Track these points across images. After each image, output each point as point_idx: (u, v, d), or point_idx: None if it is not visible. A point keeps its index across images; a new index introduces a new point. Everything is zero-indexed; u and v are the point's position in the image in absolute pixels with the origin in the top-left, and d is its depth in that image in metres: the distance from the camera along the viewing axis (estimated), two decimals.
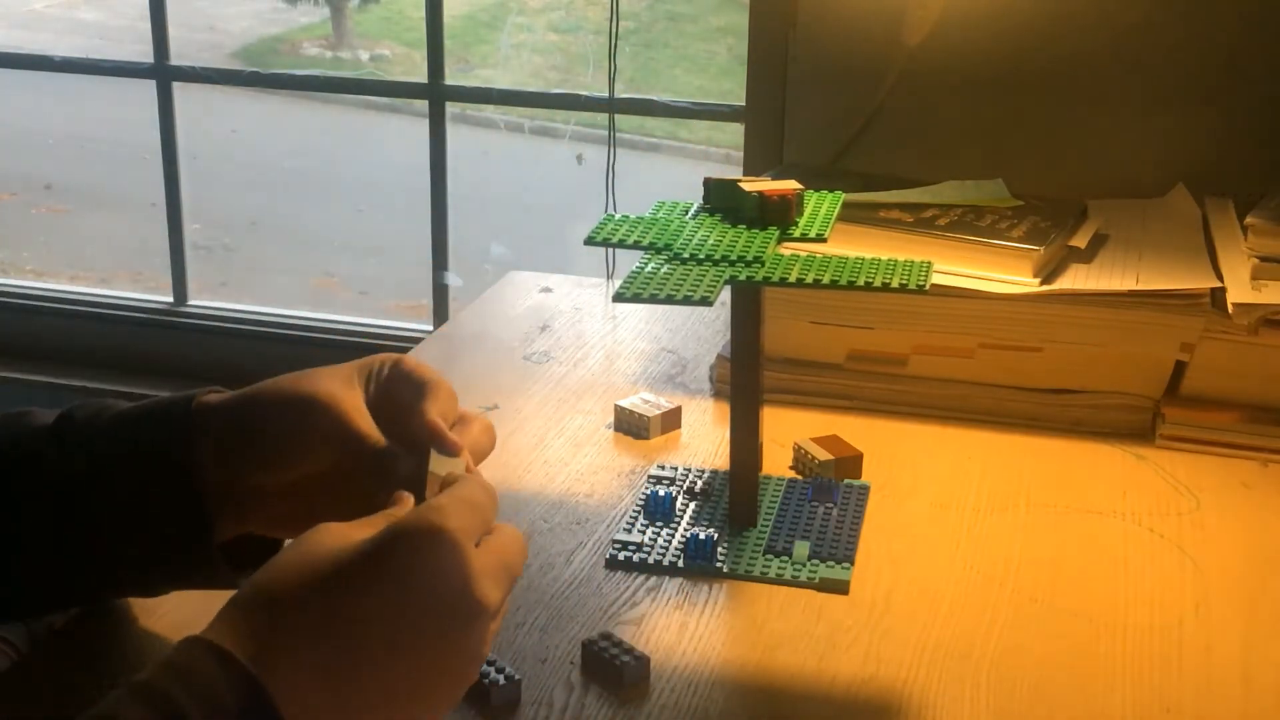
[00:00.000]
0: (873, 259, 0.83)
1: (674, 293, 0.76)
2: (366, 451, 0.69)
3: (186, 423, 0.70)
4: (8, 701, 0.70)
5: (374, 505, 0.64)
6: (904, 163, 1.30)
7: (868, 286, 0.79)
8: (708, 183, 0.90)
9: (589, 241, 0.86)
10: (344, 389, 0.70)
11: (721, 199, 0.89)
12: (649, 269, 0.80)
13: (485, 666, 0.71)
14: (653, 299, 0.76)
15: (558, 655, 0.75)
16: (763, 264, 0.81)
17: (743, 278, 0.79)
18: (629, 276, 0.79)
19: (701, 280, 0.78)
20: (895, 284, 0.79)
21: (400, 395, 0.71)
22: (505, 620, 0.78)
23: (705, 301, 0.76)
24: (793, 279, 0.80)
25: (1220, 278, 1.05)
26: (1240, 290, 1.02)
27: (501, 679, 0.71)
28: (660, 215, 0.90)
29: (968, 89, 1.33)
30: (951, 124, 1.35)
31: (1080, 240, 1.12)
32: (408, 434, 0.69)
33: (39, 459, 0.71)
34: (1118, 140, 1.31)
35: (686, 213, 0.90)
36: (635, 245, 0.85)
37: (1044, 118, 1.33)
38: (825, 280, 0.80)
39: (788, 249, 0.87)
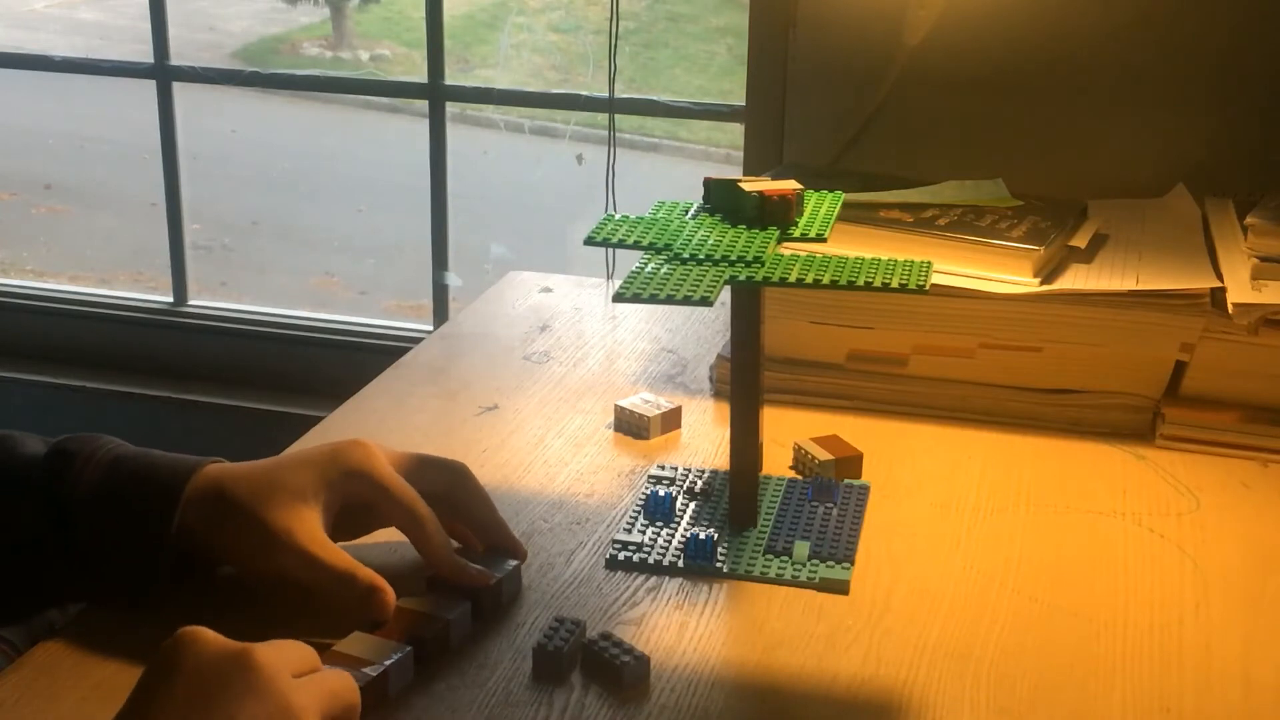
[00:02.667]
0: (873, 259, 0.83)
1: (674, 293, 0.76)
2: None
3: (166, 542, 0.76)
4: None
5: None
6: (904, 163, 1.30)
7: (868, 286, 0.79)
8: (708, 183, 0.90)
9: (589, 241, 0.86)
10: (314, 525, 0.76)
11: (721, 199, 0.89)
12: (649, 269, 0.80)
13: (614, 649, 0.73)
14: (653, 299, 0.76)
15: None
16: (763, 264, 0.80)
17: (743, 278, 0.79)
18: (629, 276, 0.79)
19: (701, 280, 0.78)
20: (895, 284, 0.79)
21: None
22: (507, 620, 0.78)
23: (705, 302, 0.76)
24: (793, 279, 0.80)
25: (1220, 278, 1.05)
26: (1240, 290, 1.02)
27: (630, 659, 0.72)
28: (660, 215, 0.90)
29: (968, 89, 1.33)
30: (951, 124, 1.35)
31: (1080, 240, 1.12)
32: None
33: (22, 499, 0.76)
34: (1118, 140, 1.31)
35: (686, 213, 0.90)
36: (635, 245, 0.84)
37: (1044, 118, 1.33)
38: (825, 280, 0.80)
39: (788, 249, 0.87)
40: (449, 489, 0.81)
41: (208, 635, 0.62)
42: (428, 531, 0.77)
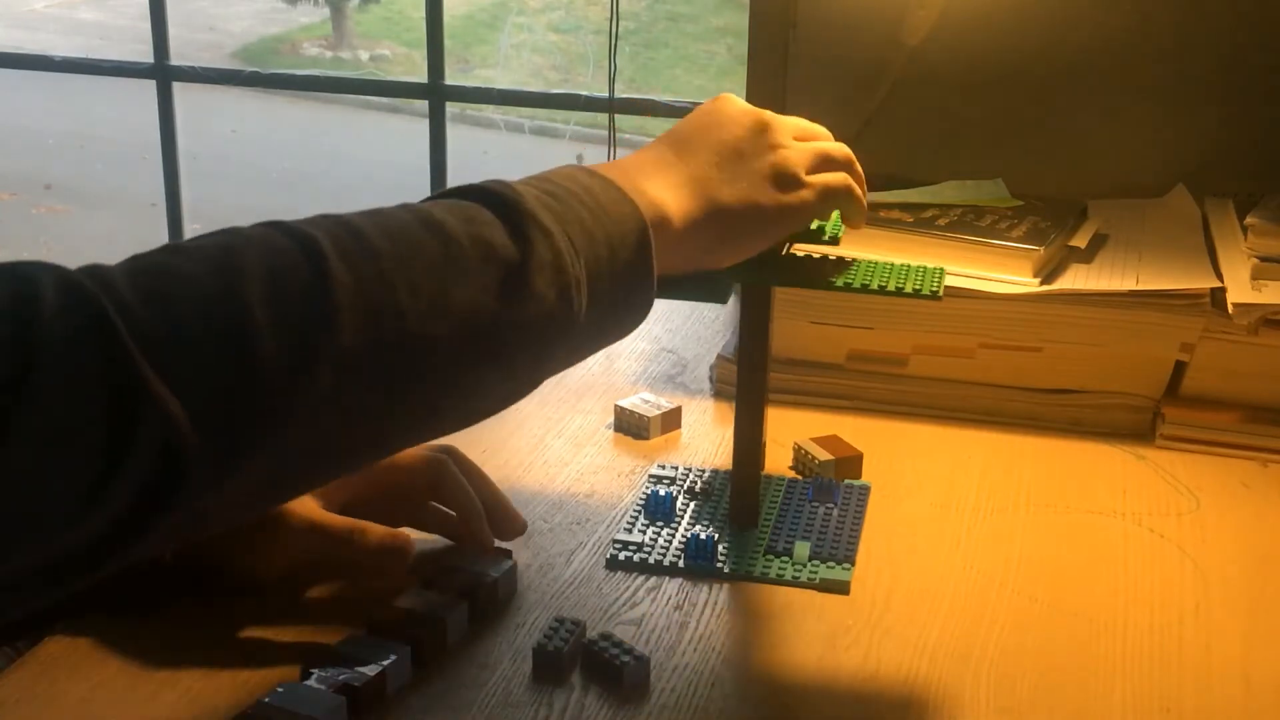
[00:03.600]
0: (885, 263, 0.82)
1: (687, 291, 0.76)
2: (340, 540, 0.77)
3: None
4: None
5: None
6: (904, 163, 1.30)
7: (881, 291, 0.79)
8: None
9: None
10: (309, 503, 0.77)
11: None
12: None
13: (614, 649, 0.73)
14: (666, 296, 0.76)
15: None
16: (775, 265, 0.80)
17: (755, 278, 0.79)
18: None
19: (714, 279, 0.77)
20: (909, 289, 0.79)
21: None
22: (506, 620, 0.78)
23: (719, 300, 0.76)
24: (806, 281, 0.80)
25: (1220, 278, 1.05)
26: (1240, 290, 1.02)
27: (630, 659, 0.72)
28: None
29: (968, 89, 1.33)
30: (951, 124, 1.35)
31: (1080, 240, 1.12)
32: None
33: None
34: (1118, 140, 1.31)
35: None
36: None
37: (1044, 118, 1.33)
38: (839, 283, 0.79)
39: (799, 250, 0.87)
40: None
41: (736, 101, 0.78)
42: (452, 481, 0.82)
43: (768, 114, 0.77)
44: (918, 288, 0.79)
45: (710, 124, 0.75)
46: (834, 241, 0.85)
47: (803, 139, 0.78)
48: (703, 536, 0.85)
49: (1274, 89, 1.27)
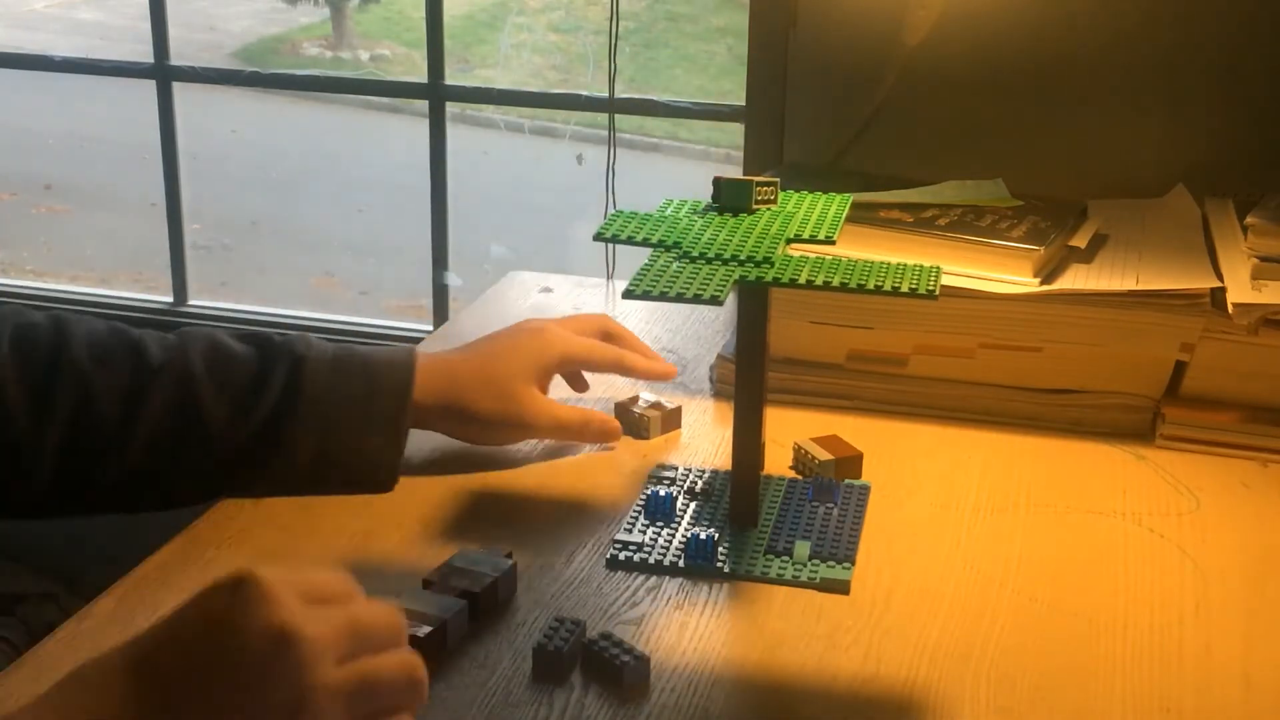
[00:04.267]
0: (881, 262, 0.82)
1: (684, 291, 0.76)
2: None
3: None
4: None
5: None
6: (904, 163, 1.30)
7: (877, 290, 0.79)
8: (718, 181, 0.90)
9: (598, 237, 0.86)
10: (542, 399, 0.97)
11: (732, 198, 0.89)
12: (659, 266, 0.80)
13: (614, 649, 0.73)
14: (663, 297, 0.76)
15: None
16: (772, 264, 0.80)
17: (752, 278, 0.79)
18: (638, 273, 0.79)
19: (711, 279, 0.77)
20: (905, 288, 0.79)
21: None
22: (506, 620, 0.78)
23: (715, 301, 0.75)
24: (802, 280, 0.80)
25: (1220, 278, 1.05)
26: (1240, 290, 1.02)
27: (631, 659, 0.72)
28: (669, 213, 0.90)
29: (968, 89, 1.33)
30: (951, 124, 1.35)
31: (1080, 240, 1.12)
32: None
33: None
34: (1118, 140, 1.31)
35: (695, 211, 0.90)
36: (644, 242, 0.84)
37: (1044, 118, 1.33)
38: (835, 283, 0.79)
39: (796, 250, 0.87)
40: (602, 330, 1.04)
41: (263, 608, 0.56)
42: (626, 361, 1.03)
43: (293, 638, 0.56)
44: (914, 286, 0.79)
45: (216, 674, 0.56)
46: (830, 241, 0.85)
47: (351, 650, 0.58)
48: (703, 536, 0.85)
49: (1274, 89, 1.27)
